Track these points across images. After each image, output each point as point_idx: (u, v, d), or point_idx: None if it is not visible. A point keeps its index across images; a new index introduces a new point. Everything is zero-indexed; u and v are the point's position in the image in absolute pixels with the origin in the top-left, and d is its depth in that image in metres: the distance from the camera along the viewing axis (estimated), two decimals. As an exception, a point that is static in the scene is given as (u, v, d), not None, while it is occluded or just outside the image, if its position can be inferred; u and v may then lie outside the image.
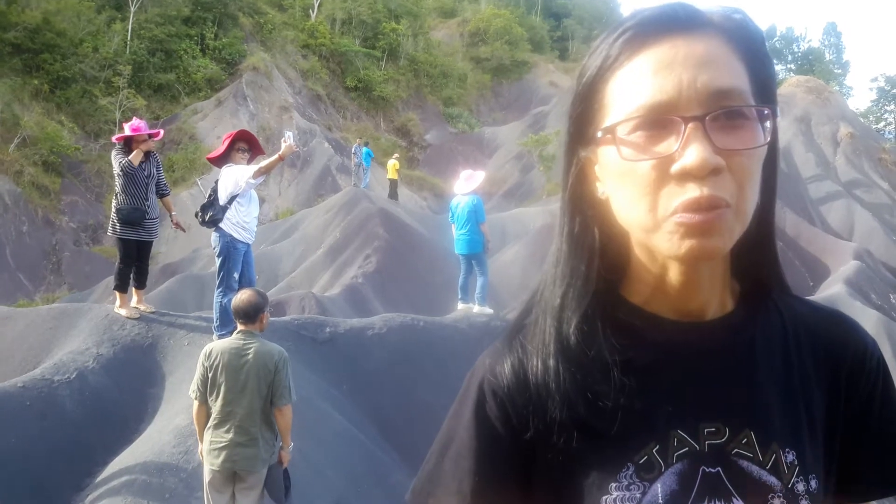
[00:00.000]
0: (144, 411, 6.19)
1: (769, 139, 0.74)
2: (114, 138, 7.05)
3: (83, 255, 22.24)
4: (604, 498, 0.76)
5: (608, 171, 0.77)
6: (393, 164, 22.82)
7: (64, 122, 25.15)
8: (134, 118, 7.07)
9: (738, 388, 0.79)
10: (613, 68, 0.75)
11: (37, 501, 5.20)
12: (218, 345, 4.39)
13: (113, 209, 6.76)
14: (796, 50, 72.73)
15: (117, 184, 6.72)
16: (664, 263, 0.77)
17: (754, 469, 0.77)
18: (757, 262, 0.84)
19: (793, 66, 68.42)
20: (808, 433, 0.80)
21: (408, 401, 7.05)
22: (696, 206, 0.69)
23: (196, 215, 6.50)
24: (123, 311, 6.90)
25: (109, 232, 7.06)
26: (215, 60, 31.12)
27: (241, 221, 6.35)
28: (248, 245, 6.52)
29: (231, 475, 4.25)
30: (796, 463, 0.78)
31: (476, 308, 8.68)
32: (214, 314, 6.52)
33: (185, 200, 21.12)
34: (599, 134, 0.76)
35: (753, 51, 0.76)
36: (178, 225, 7.38)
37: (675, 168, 0.70)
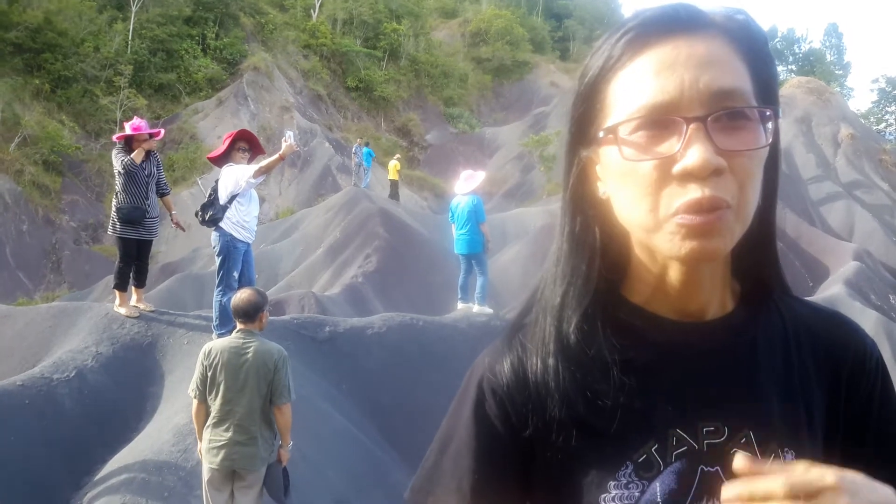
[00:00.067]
0: (143, 410, 6.20)
1: (771, 140, 0.74)
2: (114, 137, 7.05)
3: (83, 254, 22.25)
4: (603, 496, 0.77)
5: (609, 171, 0.77)
6: (394, 164, 22.83)
7: (65, 122, 25.15)
8: (135, 117, 7.07)
9: (738, 388, 0.80)
10: (615, 68, 0.75)
11: (36, 499, 5.20)
12: (217, 344, 4.39)
13: (113, 208, 6.76)
14: (797, 51, 72.77)
15: (118, 183, 6.72)
16: (665, 263, 0.77)
17: (754, 468, 0.77)
18: (758, 262, 0.84)
19: (794, 67, 68.45)
20: (807, 433, 0.80)
21: (407, 400, 7.05)
22: (697, 208, 0.69)
23: (196, 214, 6.50)
24: (123, 310, 6.91)
25: (110, 231, 7.06)
26: (216, 60, 31.12)
27: (241, 221, 6.36)
28: (248, 244, 6.52)
29: (230, 474, 4.26)
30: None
31: (476, 308, 8.68)
32: (214, 313, 6.52)
33: (186, 200, 21.12)
34: (601, 134, 0.75)
35: (756, 51, 0.76)
36: (178, 224, 7.38)
37: (676, 169, 0.70)
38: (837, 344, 0.85)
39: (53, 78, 26.45)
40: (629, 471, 0.77)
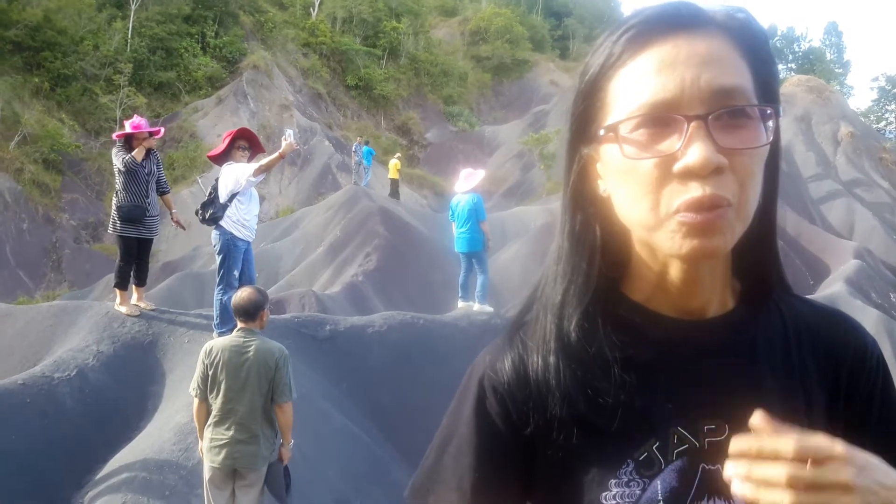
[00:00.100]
0: (144, 409, 6.20)
1: (772, 139, 0.74)
2: (114, 135, 7.05)
3: (83, 253, 22.25)
4: (603, 494, 0.77)
5: (610, 169, 0.77)
6: (394, 163, 22.83)
7: (64, 120, 25.15)
8: (135, 116, 7.06)
9: (739, 386, 0.80)
10: (616, 66, 0.75)
11: (37, 499, 5.20)
12: (218, 342, 4.39)
13: (113, 207, 6.76)
14: (797, 49, 72.68)
15: (118, 181, 6.71)
16: (665, 261, 0.78)
17: (754, 467, 0.77)
18: (758, 260, 0.84)
19: (793, 66, 68.36)
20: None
21: (408, 398, 7.06)
22: (698, 206, 0.69)
23: (196, 213, 6.50)
24: (124, 309, 6.91)
25: (110, 229, 7.05)
26: (216, 59, 31.11)
27: (241, 219, 6.35)
28: (248, 243, 6.52)
29: (231, 472, 4.26)
30: (796, 461, 0.78)
31: (476, 306, 8.68)
32: (214, 312, 6.52)
33: (186, 198, 21.12)
34: (602, 132, 0.75)
35: (756, 50, 0.76)
36: (178, 223, 7.38)
37: (677, 167, 0.70)
38: (838, 342, 0.85)
39: (53, 76, 26.45)
40: (630, 469, 0.77)
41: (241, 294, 4.43)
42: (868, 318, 12.21)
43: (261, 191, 13.35)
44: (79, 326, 6.87)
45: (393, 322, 7.88)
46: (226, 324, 6.18)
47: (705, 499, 0.76)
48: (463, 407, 0.85)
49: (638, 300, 0.83)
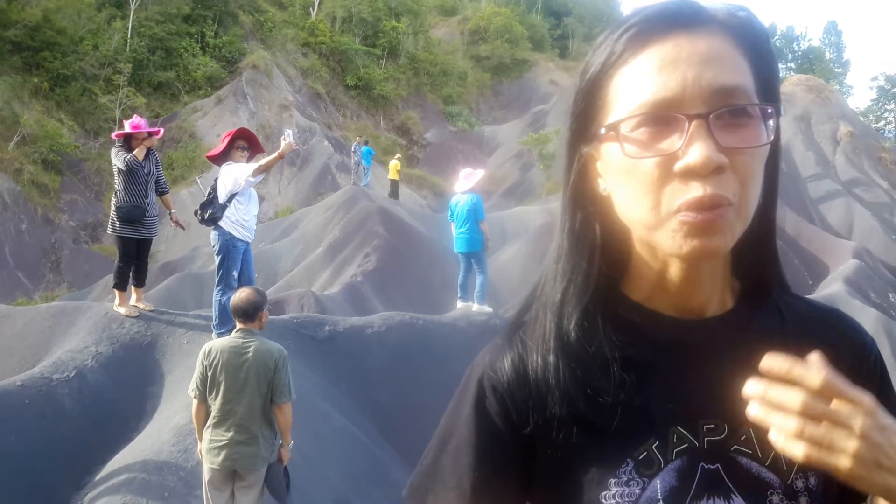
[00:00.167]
0: (143, 410, 6.19)
1: (772, 138, 0.74)
2: (113, 135, 7.05)
3: (82, 254, 22.25)
4: (603, 493, 0.77)
5: (611, 168, 0.77)
6: (394, 164, 22.84)
7: (63, 121, 25.14)
8: (135, 116, 7.06)
9: (738, 385, 0.79)
10: (617, 65, 0.75)
11: (36, 500, 5.20)
12: (217, 343, 4.39)
13: (112, 207, 6.75)
14: (796, 49, 72.74)
15: (117, 181, 6.71)
16: (665, 260, 0.77)
17: (754, 466, 0.77)
18: (757, 260, 0.84)
19: (793, 65, 68.43)
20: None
21: (407, 399, 7.06)
22: (699, 205, 0.69)
23: (195, 213, 6.49)
24: (122, 310, 6.90)
25: (109, 230, 7.05)
26: (215, 58, 31.12)
27: (240, 219, 6.35)
28: (247, 243, 6.51)
29: (230, 474, 4.25)
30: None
31: (475, 306, 8.67)
32: (213, 312, 6.52)
33: (185, 199, 21.12)
34: (603, 131, 0.75)
35: (757, 48, 0.76)
36: (177, 223, 7.38)
37: (678, 166, 0.70)
38: (836, 342, 0.85)
39: (52, 76, 26.44)
40: (630, 468, 0.77)
41: (240, 295, 4.43)
42: (867, 317, 12.22)
43: (260, 191, 13.36)
44: (78, 327, 6.86)
45: (392, 322, 7.88)
46: (225, 324, 6.18)
47: (705, 498, 0.76)
48: (462, 406, 0.84)
49: (637, 299, 0.83)
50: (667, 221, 0.71)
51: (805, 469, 0.79)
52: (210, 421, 4.25)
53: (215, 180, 6.47)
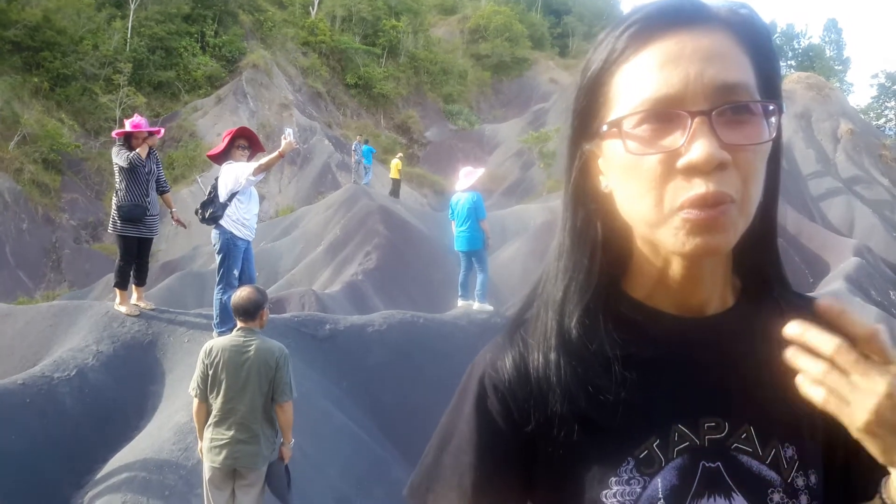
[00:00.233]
0: (144, 408, 6.20)
1: (774, 135, 0.74)
2: (114, 133, 7.05)
3: (83, 253, 22.26)
4: (604, 492, 0.76)
5: (613, 165, 0.76)
6: (396, 163, 22.84)
7: (64, 120, 25.15)
8: (136, 115, 7.07)
9: (738, 383, 0.79)
10: (619, 62, 0.75)
11: (37, 498, 5.21)
12: (218, 342, 4.39)
13: (113, 206, 6.76)
14: (797, 46, 72.71)
15: (118, 180, 6.72)
16: (667, 258, 0.77)
17: (754, 464, 0.77)
18: (758, 258, 0.84)
19: (793, 63, 68.42)
20: (807, 428, 0.80)
21: (408, 397, 7.06)
22: (702, 203, 0.69)
23: (196, 212, 6.50)
24: (123, 309, 6.91)
25: (110, 229, 7.05)
26: (215, 58, 31.12)
27: (241, 218, 6.35)
28: (248, 242, 6.52)
29: (231, 472, 4.26)
30: (796, 458, 0.78)
31: (476, 305, 8.67)
32: (214, 311, 6.52)
33: (186, 198, 21.12)
34: (605, 127, 0.75)
35: (759, 45, 0.76)
36: (178, 221, 7.38)
37: (681, 163, 0.70)
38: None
39: (52, 76, 26.45)
40: (630, 466, 0.76)
41: (241, 293, 4.43)
42: (868, 315, 12.20)
43: (260, 190, 13.34)
44: (78, 326, 6.87)
45: (393, 321, 7.88)
46: (225, 323, 6.18)
47: (706, 496, 0.76)
48: (463, 405, 0.84)
49: (638, 297, 0.82)
50: (669, 219, 0.71)
51: (806, 467, 0.79)
52: (211, 420, 4.25)
53: (216, 179, 6.47)
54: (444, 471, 0.83)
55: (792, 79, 34.62)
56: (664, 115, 0.71)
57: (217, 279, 6.44)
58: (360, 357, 7.34)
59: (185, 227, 8.28)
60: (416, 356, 7.56)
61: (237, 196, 6.32)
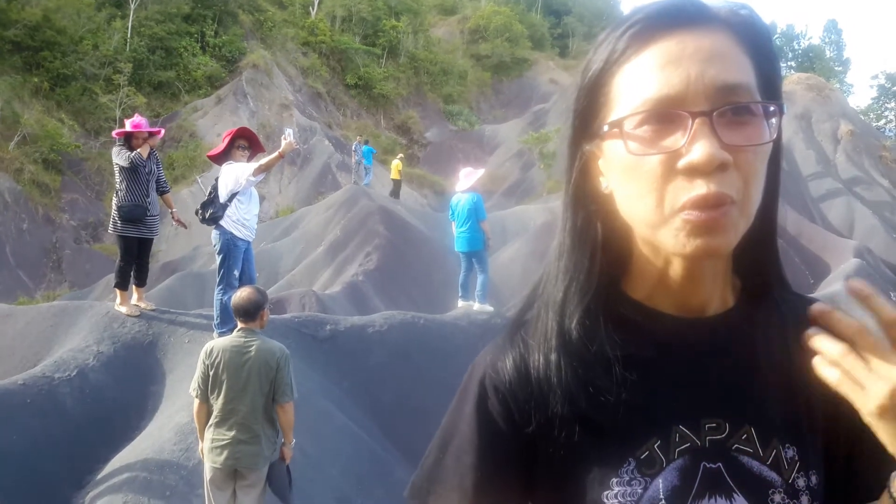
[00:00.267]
0: (145, 409, 6.20)
1: (775, 135, 0.74)
2: (114, 133, 7.06)
3: (83, 253, 22.25)
4: (605, 493, 0.76)
5: (613, 166, 0.76)
6: (396, 164, 22.84)
7: (64, 120, 25.15)
8: (136, 115, 7.07)
9: (739, 384, 0.80)
10: (620, 62, 0.75)
11: (38, 498, 5.21)
12: (219, 343, 4.39)
13: (114, 206, 6.76)
14: (797, 47, 72.68)
15: (118, 181, 6.72)
16: (667, 259, 0.77)
17: (755, 465, 0.77)
18: (759, 258, 0.84)
19: (793, 64, 68.37)
20: (808, 429, 0.80)
21: (408, 398, 7.06)
22: (703, 203, 0.69)
23: (196, 213, 6.50)
24: (124, 309, 6.91)
25: (110, 229, 7.06)
26: (215, 58, 31.11)
27: (241, 219, 6.36)
28: (248, 242, 6.52)
29: (232, 473, 4.26)
30: (797, 458, 0.78)
31: (476, 306, 8.67)
32: (215, 312, 6.52)
33: (186, 198, 21.12)
34: (605, 128, 0.75)
35: (760, 46, 0.76)
36: (179, 221, 7.38)
37: (681, 163, 0.70)
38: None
39: (52, 76, 26.45)
40: (632, 467, 0.76)
41: (241, 294, 4.43)
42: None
43: (261, 190, 13.34)
44: (79, 327, 6.87)
45: (393, 321, 7.88)
46: (226, 324, 6.18)
47: (707, 497, 0.76)
48: (464, 406, 0.84)
49: (638, 298, 0.82)
50: (670, 220, 0.71)
51: (807, 467, 0.79)
52: (212, 420, 4.25)
53: (216, 179, 6.47)
54: (445, 472, 0.83)
55: (792, 80, 34.62)
56: (665, 115, 0.71)
57: (217, 280, 6.44)
58: (360, 357, 7.34)
59: (185, 227, 8.28)
60: (416, 357, 7.56)
61: (237, 196, 6.32)
